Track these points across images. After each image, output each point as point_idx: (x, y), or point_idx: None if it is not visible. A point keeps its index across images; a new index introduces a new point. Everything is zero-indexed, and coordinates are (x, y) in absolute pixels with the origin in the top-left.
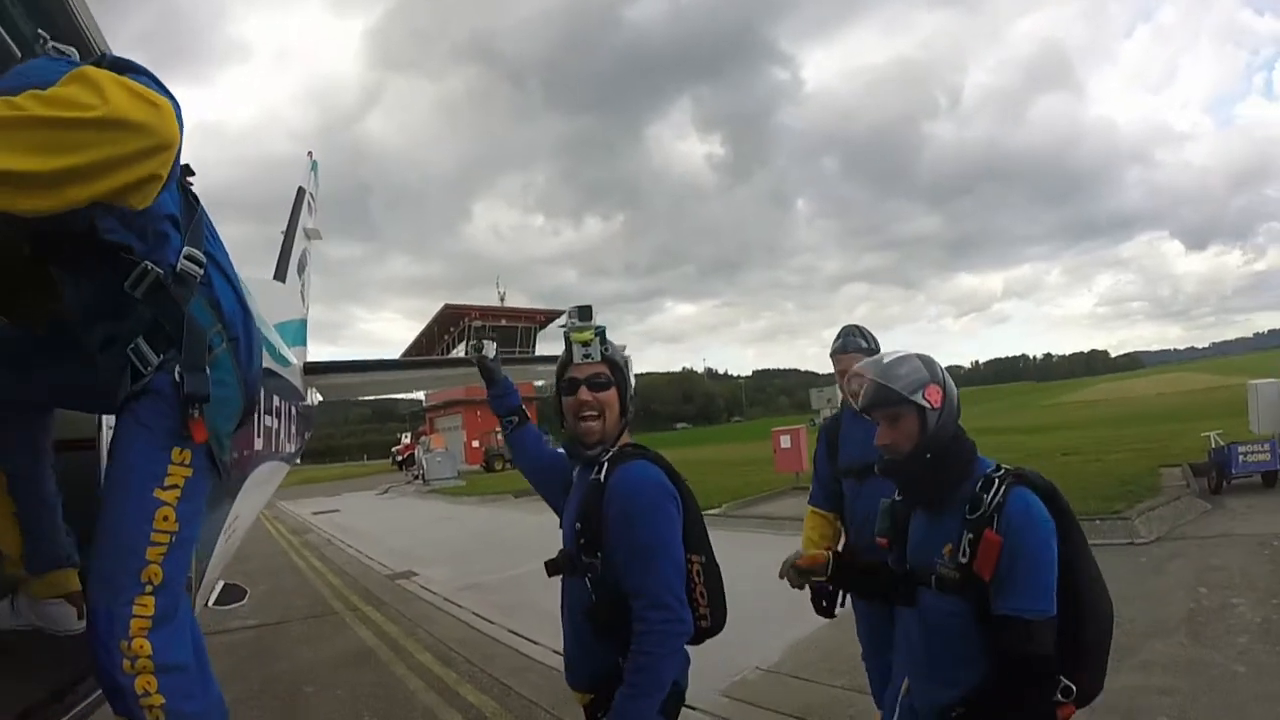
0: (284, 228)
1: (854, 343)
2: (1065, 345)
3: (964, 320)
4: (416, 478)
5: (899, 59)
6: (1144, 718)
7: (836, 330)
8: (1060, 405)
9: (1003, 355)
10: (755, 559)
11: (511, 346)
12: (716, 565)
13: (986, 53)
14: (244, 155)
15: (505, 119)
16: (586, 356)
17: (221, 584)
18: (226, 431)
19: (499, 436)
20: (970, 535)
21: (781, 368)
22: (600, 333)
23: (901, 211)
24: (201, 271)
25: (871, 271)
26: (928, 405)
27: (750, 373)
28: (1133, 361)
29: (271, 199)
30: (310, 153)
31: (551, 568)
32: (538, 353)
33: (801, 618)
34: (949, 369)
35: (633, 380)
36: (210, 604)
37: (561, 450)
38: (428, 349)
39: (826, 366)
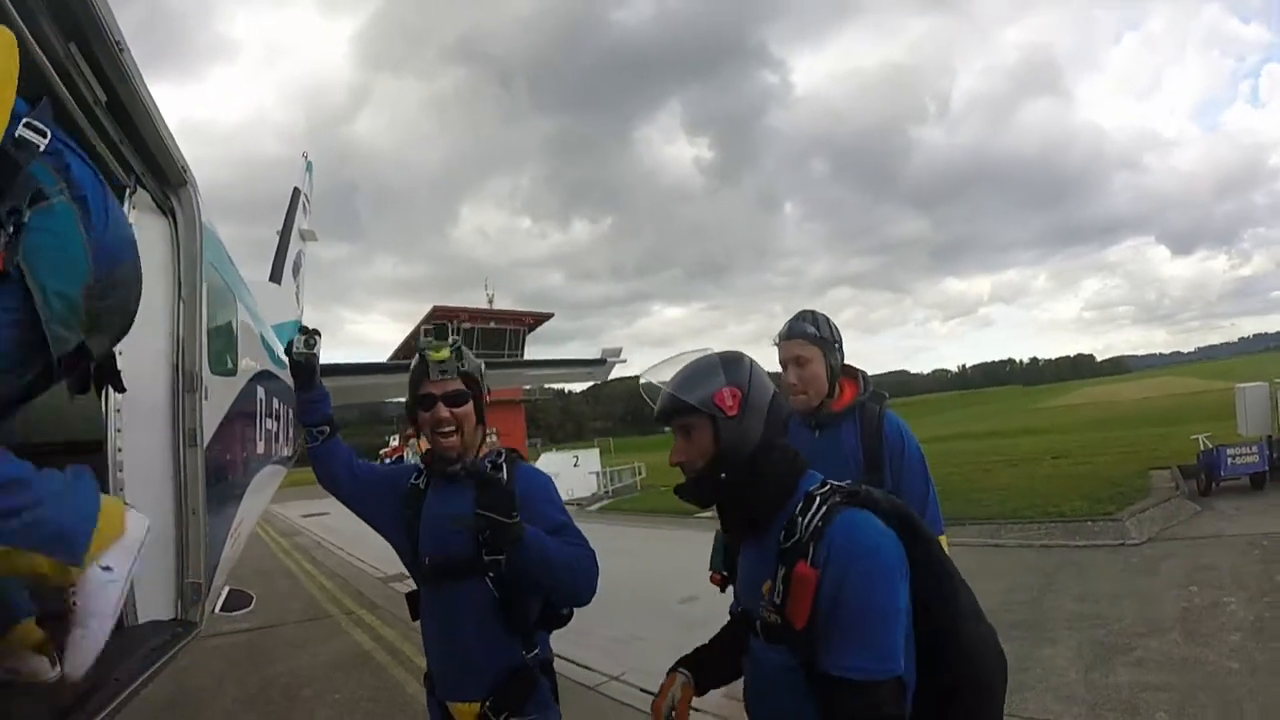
0: (278, 228)
1: (800, 328)
2: (1052, 349)
3: (951, 324)
4: None
5: (888, 63)
6: (1144, 713)
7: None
8: (1048, 409)
9: (990, 359)
10: None
11: (500, 349)
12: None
13: (975, 58)
14: (230, 156)
15: (493, 120)
16: (443, 373)
17: (227, 590)
18: (68, 298)
19: (490, 439)
20: (784, 569)
21: (770, 370)
22: (456, 349)
23: (890, 215)
24: (44, 140)
25: (859, 275)
26: (719, 412)
27: None
28: (1119, 365)
29: (258, 200)
30: (305, 154)
31: (438, 574)
32: (526, 356)
33: None
34: (936, 372)
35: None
36: (217, 610)
37: (368, 463)
38: (413, 352)
39: None
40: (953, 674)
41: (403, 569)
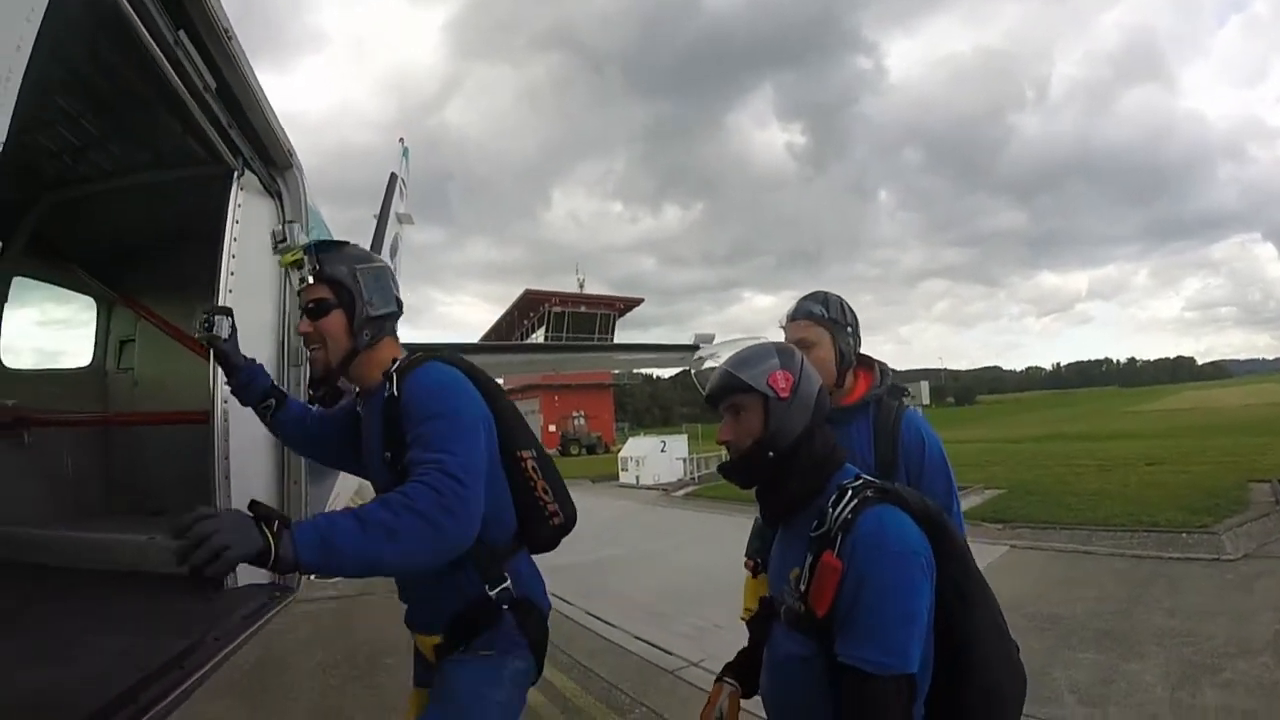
0: (375, 212)
1: (805, 308)
2: (1150, 350)
3: (1046, 320)
4: None
5: (984, 49)
6: None
7: (915, 326)
8: (1144, 413)
9: (1085, 358)
10: None
11: (591, 333)
12: (549, 458)
13: (1074, 43)
14: (323, 144)
15: (585, 106)
16: (303, 280)
17: None
18: None
19: (578, 422)
20: (811, 557)
21: None
22: (313, 249)
23: (985, 206)
24: None
25: (952, 267)
26: (772, 393)
27: None
28: (1220, 370)
29: (350, 186)
30: (402, 139)
31: None
32: (617, 340)
33: None
34: (1029, 370)
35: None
36: (312, 577)
37: (320, 409)
38: (507, 334)
39: (904, 363)
40: (967, 688)
41: None
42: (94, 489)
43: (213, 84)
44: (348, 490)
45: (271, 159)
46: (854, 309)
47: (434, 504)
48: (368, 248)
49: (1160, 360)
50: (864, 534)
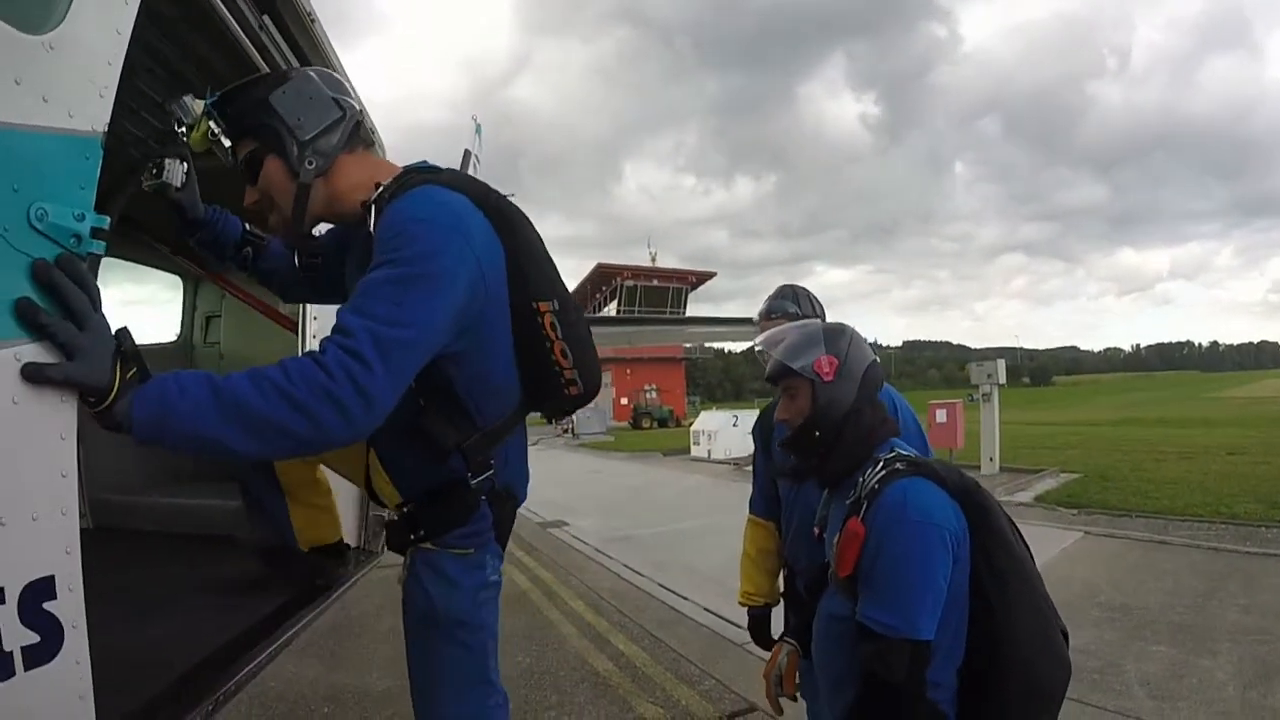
0: None
1: (781, 307)
2: (1233, 334)
3: (1126, 300)
4: (566, 431)
5: (1062, 15)
6: None
7: (991, 303)
8: (1226, 399)
9: (1166, 340)
10: None
11: (663, 307)
12: (579, 312)
13: (1156, 9)
14: (396, 122)
15: (656, 79)
16: (228, 153)
17: None
18: None
19: (649, 395)
20: (842, 523)
21: (932, 339)
22: (211, 109)
23: (1064, 180)
24: None
25: (1030, 242)
26: (817, 377)
27: (900, 343)
28: None
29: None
30: (475, 117)
31: None
32: (689, 314)
33: None
34: (1108, 351)
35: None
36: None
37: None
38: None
39: (979, 341)
40: (1000, 667)
41: (560, 517)
42: (185, 458)
43: (297, 66)
44: None
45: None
46: (819, 300)
47: (318, 392)
48: None
49: (1244, 345)
50: (886, 503)
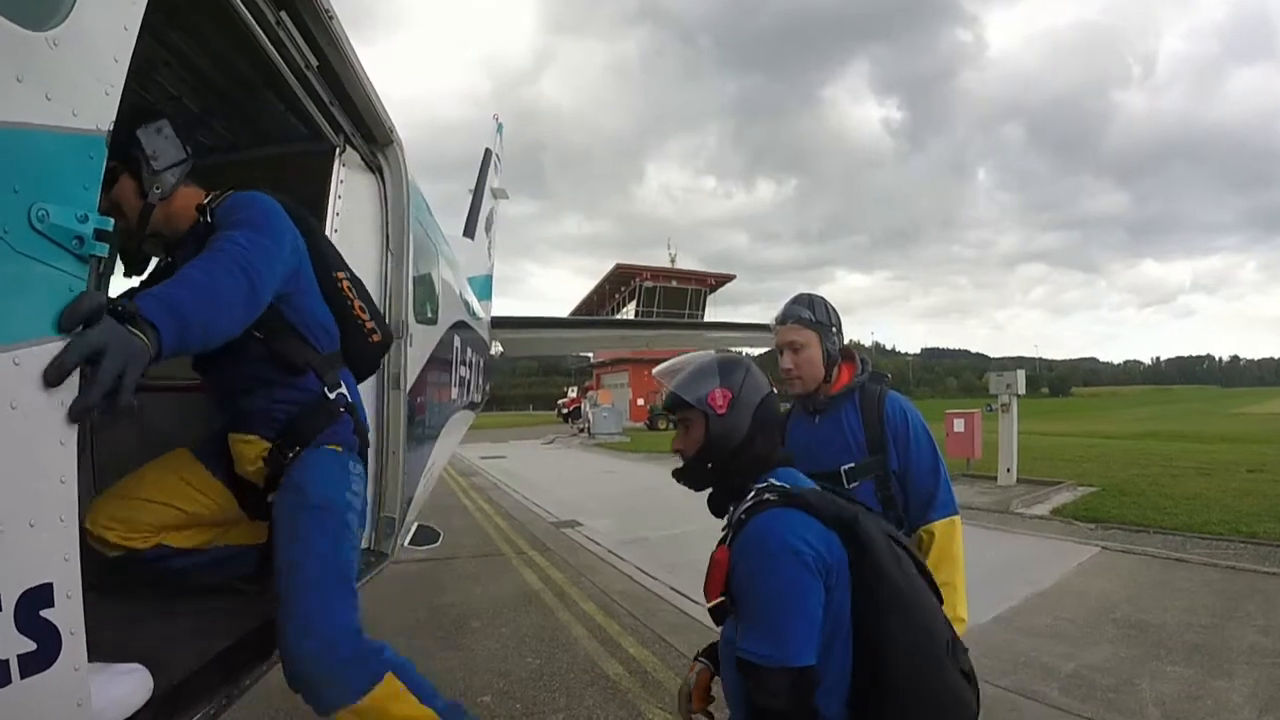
0: (470, 186)
1: (795, 312)
2: (1255, 348)
3: (1146, 312)
4: (582, 430)
5: (1086, 22)
6: None
7: (1010, 312)
8: (1246, 415)
9: (1186, 354)
10: None
11: (681, 309)
12: (361, 282)
13: (1180, 17)
14: (416, 118)
15: (676, 79)
16: None
17: (416, 525)
18: None
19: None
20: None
21: (951, 347)
22: None
23: (1085, 188)
24: None
25: (1050, 251)
26: (710, 410)
27: (919, 350)
28: None
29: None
30: (496, 116)
31: None
32: (707, 317)
33: (971, 605)
34: (1127, 363)
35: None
36: (406, 543)
37: None
38: (598, 307)
39: (998, 350)
40: (882, 696)
41: (574, 516)
42: None
43: (314, 62)
44: (441, 462)
45: (373, 136)
46: (836, 309)
47: (252, 269)
48: (464, 222)
49: (1265, 360)
50: (750, 533)
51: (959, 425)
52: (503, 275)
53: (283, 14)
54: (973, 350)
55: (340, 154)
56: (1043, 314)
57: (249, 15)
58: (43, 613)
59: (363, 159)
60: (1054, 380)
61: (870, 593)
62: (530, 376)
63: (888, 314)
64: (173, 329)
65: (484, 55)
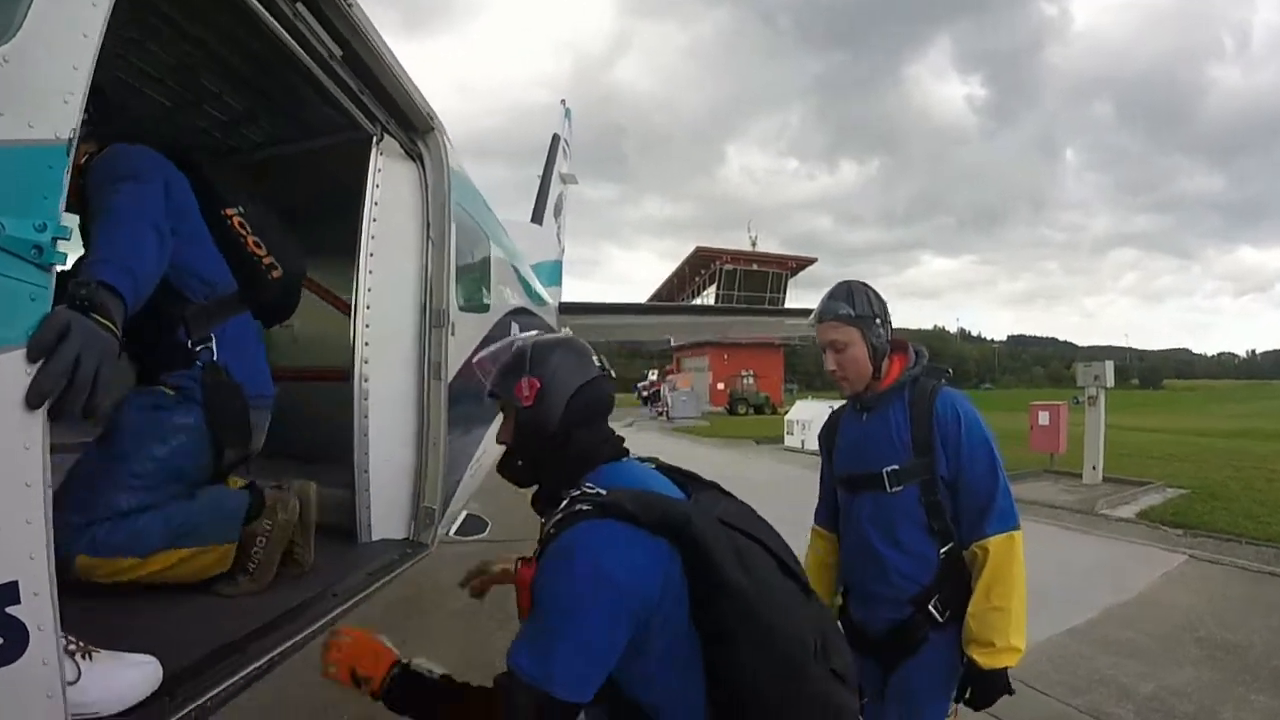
0: (539, 172)
1: (832, 309)
2: None
3: (1243, 300)
4: (661, 414)
5: None
6: None
7: (1101, 299)
8: None
9: None
10: None
11: (762, 292)
12: (263, 208)
13: None
14: (500, 105)
15: (757, 59)
16: None
17: (464, 515)
18: None
19: (746, 381)
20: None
21: (1038, 335)
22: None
23: (1179, 168)
24: None
25: (1143, 235)
26: (517, 402)
27: (1005, 337)
28: None
29: (532, 145)
30: (564, 101)
31: None
32: (788, 301)
33: (1037, 616)
34: (1221, 355)
35: None
36: (451, 534)
37: None
38: (678, 290)
39: (1087, 338)
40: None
41: None
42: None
43: (338, 52)
44: (495, 451)
45: (411, 123)
46: (880, 296)
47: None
48: (532, 207)
49: None
50: (557, 548)
51: (1043, 418)
52: (584, 258)
53: (299, 6)
54: (1060, 338)
55: (378, 143)
56: (1134, 301)
57: (263, 10)
58: (8, 609)
59: (402, 147)
60: (1144, 371)
61: (711, 602)
62: (612, 359)
63: (974, 299)
64: (130, 288)
65: (564, 39)
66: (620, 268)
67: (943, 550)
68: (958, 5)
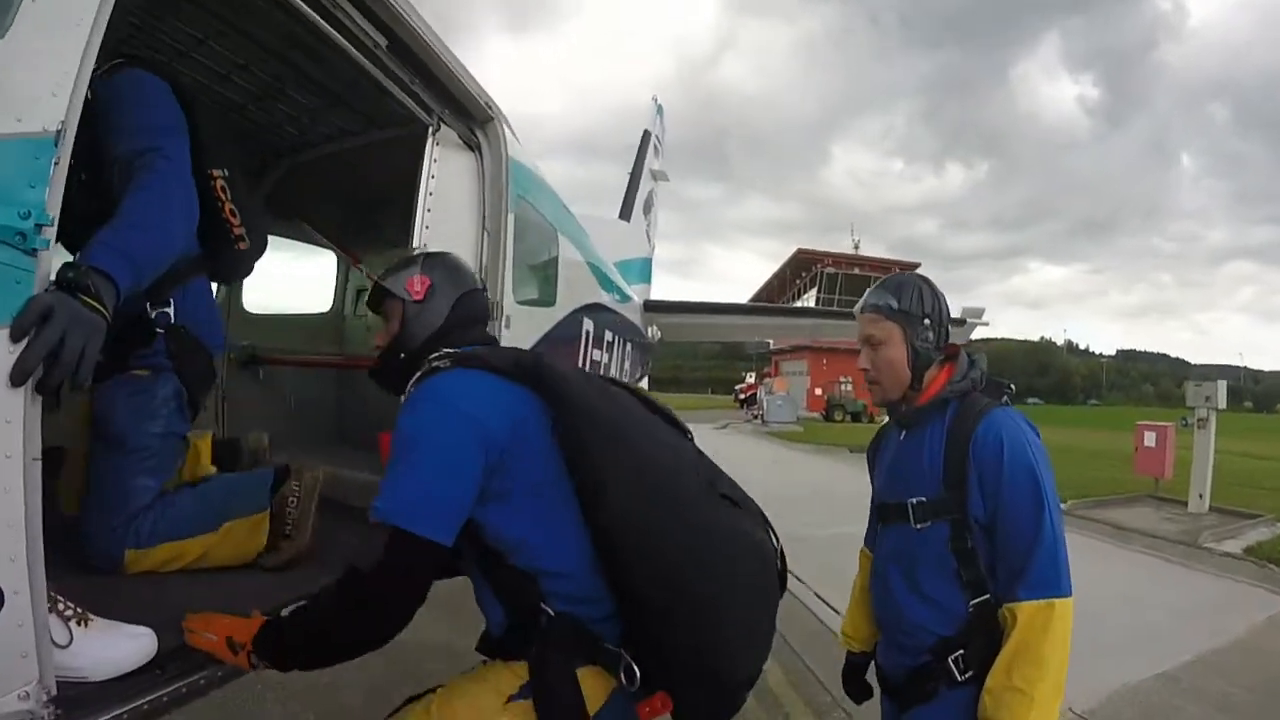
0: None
1: (875, 299)
2: None
3: None
4: (756, 417)
5: None
6: None
7: (1214, 314)
8: None
9: None
10: (1091, 573)
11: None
12: (246, 185)
13: None
14: (599, 105)
15: (862, 59)
16: None
17: None
18: None
19: (844, 387)
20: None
21: (1148, 350)
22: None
23: None
24: None
25: (1262, 248)
26: (407, 296)
27: (1114, 352)
28: None
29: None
30: (655, 97)
31: None
32: None
33: (1138, 653)
34: None
35: None
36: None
37: None
38: (779, 292)
39: (1199, 356)
40: (628, 564)
41: None
42: (322, 422)
43: (383, 41)
44: None
45: (468, 113)
46: (939, 294)
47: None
48: (620, 203)
49: None
50: (409, 398)
51: (1149, 439)
52: (685, 257)
53: None
54: (1171, 354)
55: (434, 133)
56: (1250, 318)
57: (302, 4)
58: None
59: (460, 137)
60: (1260, 394)
61: (574, 433)
62: (711, 360)
63: (1083, 310)
64: (128, 274)
65: (667, 39)
66: (721, 267)
67: (973, 602)
68: (1067, 1)
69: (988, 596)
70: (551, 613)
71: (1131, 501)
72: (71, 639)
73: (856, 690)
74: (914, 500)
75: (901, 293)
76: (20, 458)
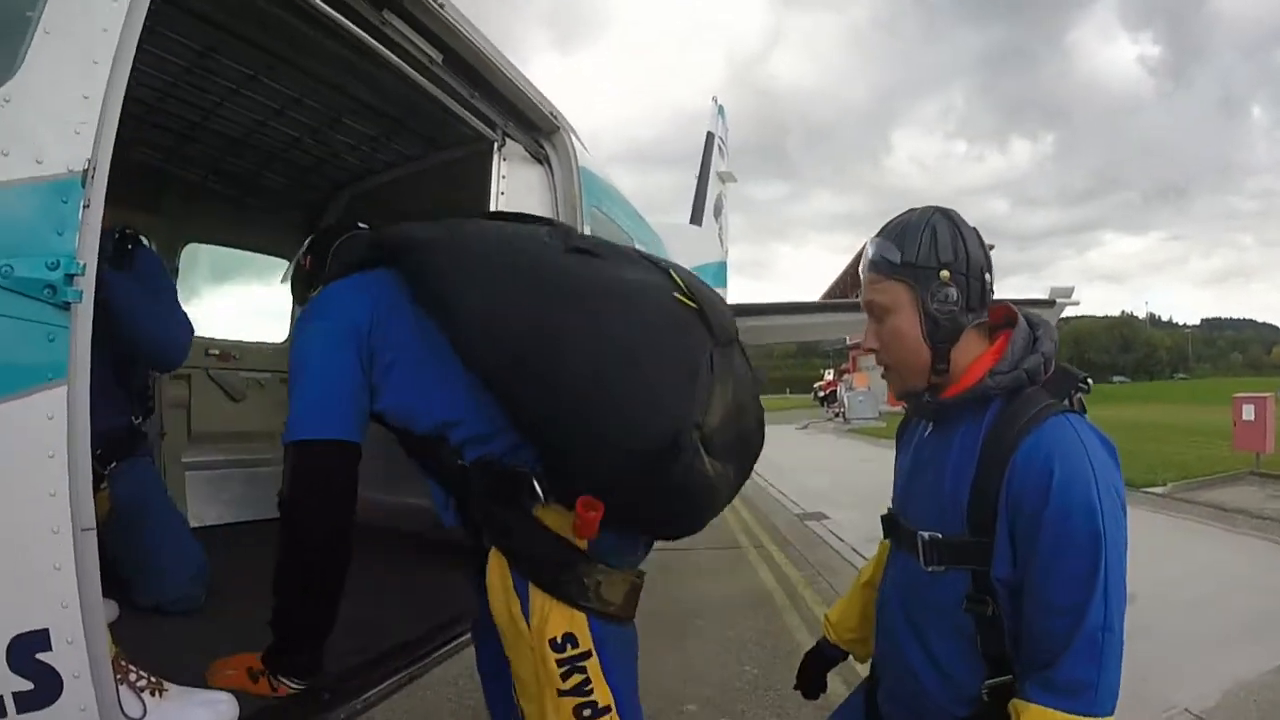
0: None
1: (876, 251)
2: None
3: None
4: (837, 415)
5: None
6: None
7: None
8: None
9: None
10: (1200, 558)
11: None
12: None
13: None
14: (655, 114)
15: (914, 41)
16: None
17: None
18: None
19: None
20: None
21: (1234, 317)
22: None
23: None
24: None
25: None
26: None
27: (1199, 321)
28: None
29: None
30: (715, 98)
31: None
32: None
33: (1240, 645)
34: None
35: None
36: None
37: None
38: (851, 287)
39: None
40: (497, 376)
41: (820, 508)
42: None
43: (438, 56)
44: None
45: (534, 125)
46: (963, 233)
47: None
48: (690, 209)
49: None
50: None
51: (1248, 412)
52: (754, 259)
53: (385, 13)
54: (1260, 320)
55: (500, 148)
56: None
57: (349, 23)
58: (39, 656)
59: (526, 150)
60: None
61: (420, 280)
62: (787, 359)
63: (1163, 280)
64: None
65: (716, 39)
66: (790, 265)
67: (988, 683)
68: None
69: (1009, 678)
70: (467, 464)
71: (1233, 480)
72: (145, 711)
73: (808, 684)
74: (926, 535)
75: (906, 238)
76: (69, 531)
